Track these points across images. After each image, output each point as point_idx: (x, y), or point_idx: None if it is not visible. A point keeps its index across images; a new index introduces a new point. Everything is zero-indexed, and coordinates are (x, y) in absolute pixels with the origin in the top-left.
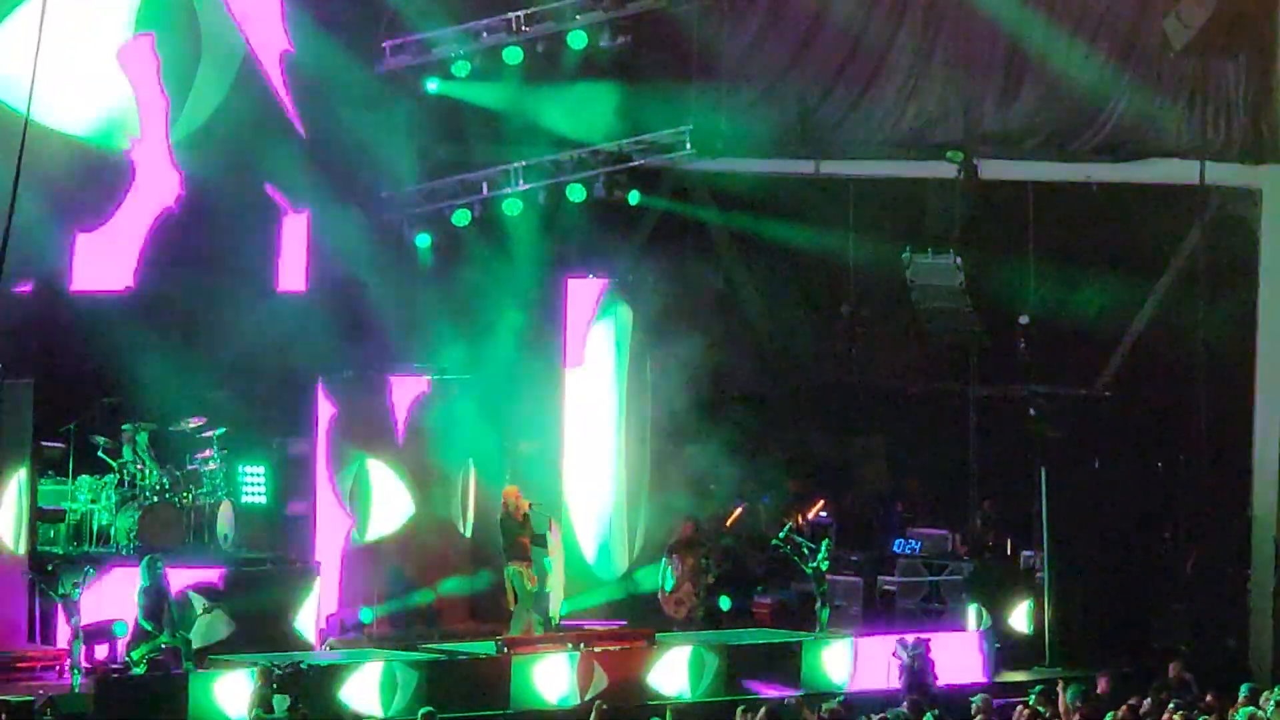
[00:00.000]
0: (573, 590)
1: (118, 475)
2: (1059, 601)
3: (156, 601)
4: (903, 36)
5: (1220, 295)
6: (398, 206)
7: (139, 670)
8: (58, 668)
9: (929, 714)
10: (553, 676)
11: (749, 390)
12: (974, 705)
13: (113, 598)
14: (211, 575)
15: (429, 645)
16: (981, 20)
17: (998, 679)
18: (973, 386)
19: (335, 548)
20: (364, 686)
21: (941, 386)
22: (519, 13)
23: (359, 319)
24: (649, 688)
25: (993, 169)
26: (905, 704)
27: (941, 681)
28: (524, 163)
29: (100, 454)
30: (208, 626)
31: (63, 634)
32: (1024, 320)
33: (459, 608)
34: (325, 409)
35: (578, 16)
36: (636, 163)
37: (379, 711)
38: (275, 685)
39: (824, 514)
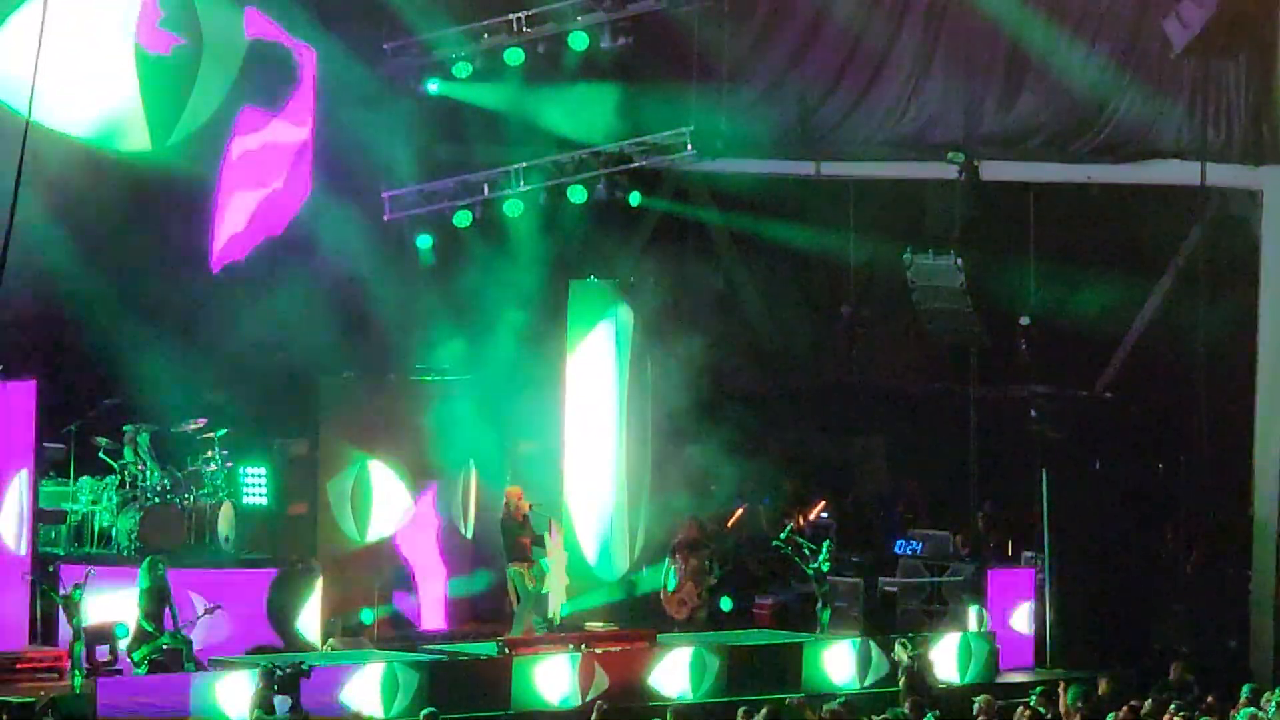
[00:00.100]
0: (573, 591)
1: (119, 476)
2: (1060, 602)
3: (157, 602)
4: (903, 37)
5: (1221, 296)
6: (399, 207)
7: (140, 671)
8: (59, 668)
9: (930, 714)
10: (554, 677)
11: (749, 391)
12: (975, 706)
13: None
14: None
15: (430, 646)
16: (982, 21)
17: (999, 680)
18: (973, 387)
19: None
20: (365, 687)
21: (942, 387)
22: (520, 14)
23: (360, 320)
24: (650, 689)
25: (993, 170)
26: (906, 704)
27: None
28: (525, 164)
29: (101, 455)
30: (208, 627)
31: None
32: (1025, 321)
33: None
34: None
35: (579, 18)
36: (637, 164)
37: (380, 712)
38: (276, 686)
39: (825, 515)
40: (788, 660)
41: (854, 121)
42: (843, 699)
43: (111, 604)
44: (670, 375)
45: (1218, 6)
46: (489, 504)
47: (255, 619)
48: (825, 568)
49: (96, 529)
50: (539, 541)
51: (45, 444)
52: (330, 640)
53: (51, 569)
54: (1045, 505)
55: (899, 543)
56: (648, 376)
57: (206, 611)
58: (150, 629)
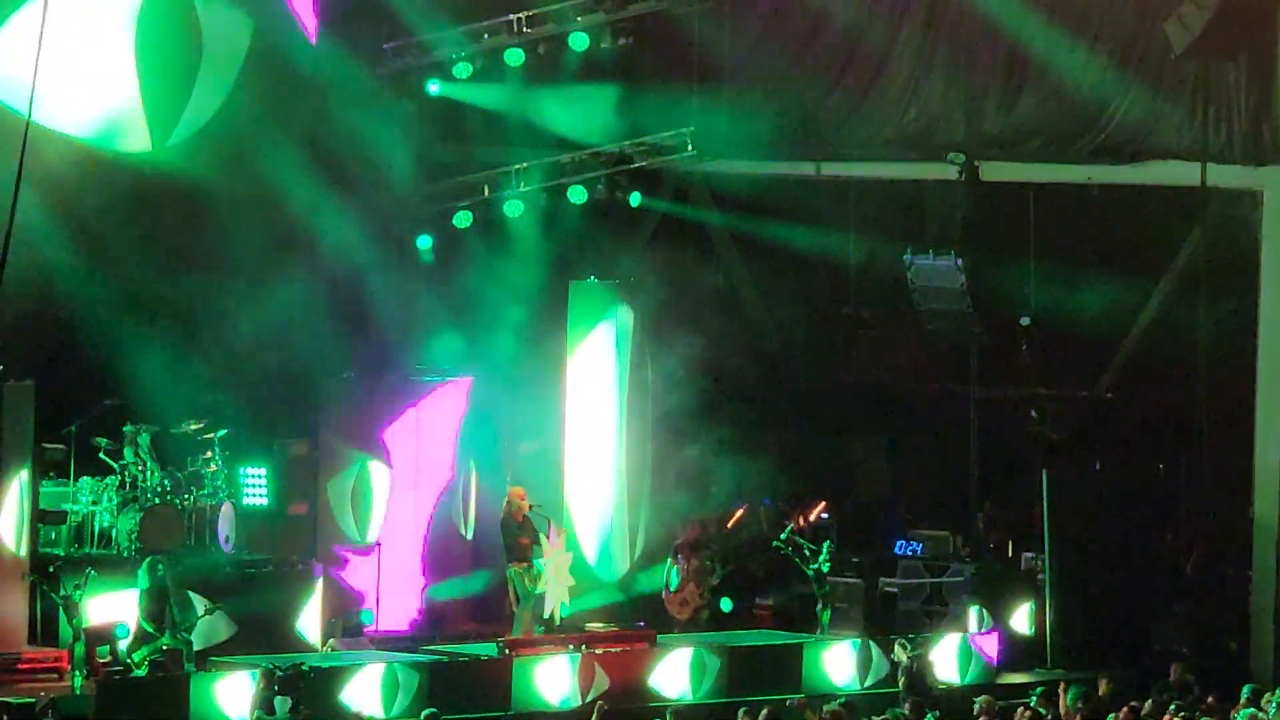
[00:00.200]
0: (576, 591)
1: (119, 477)
2: (1060, 603)
3: (158, 603)
4: (904, 38)
5: (1221, 297)
6: (399, 208)
7: (140, 672)
8: (59, 669)
9: (930, 715)
10: (554, 678)
11: (750, 391)
12: (976, 706)
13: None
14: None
15: (430, 647)
16: (983, 22)
17: (1000, 680)
18: (974, 388)
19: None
20: (365, 688)
21: (942, 388)
22: (520, 14)
23: (360, 320)
24: (650, 689)
25: (994, 170)
26: (906, 705)
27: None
28: (525, 164)
29: (101, 456)
30: (209, 628)
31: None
32: (1025, 322)
33: (461, 610)
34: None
35: (579, 18)
36: (638, 164)
37: (380, 713)
38: (277, 687)
39: (825, 515)
40: (788, 661)
41: (854, 122)
42: (843, 700)
43: (112, 604)
44: (670, 376)
45: (1218, 8)
46: (489, 504)
47: (256, 620)
48: (825, 568)
49: (97, 529)
50: (536, 542)
51: (45, 444)
52: (330, 641)
53: (52, 569)
54: (1045, 506)
55: (899, 543)
56: (648, 377)
57: (206, 611)
58: (150, 629)
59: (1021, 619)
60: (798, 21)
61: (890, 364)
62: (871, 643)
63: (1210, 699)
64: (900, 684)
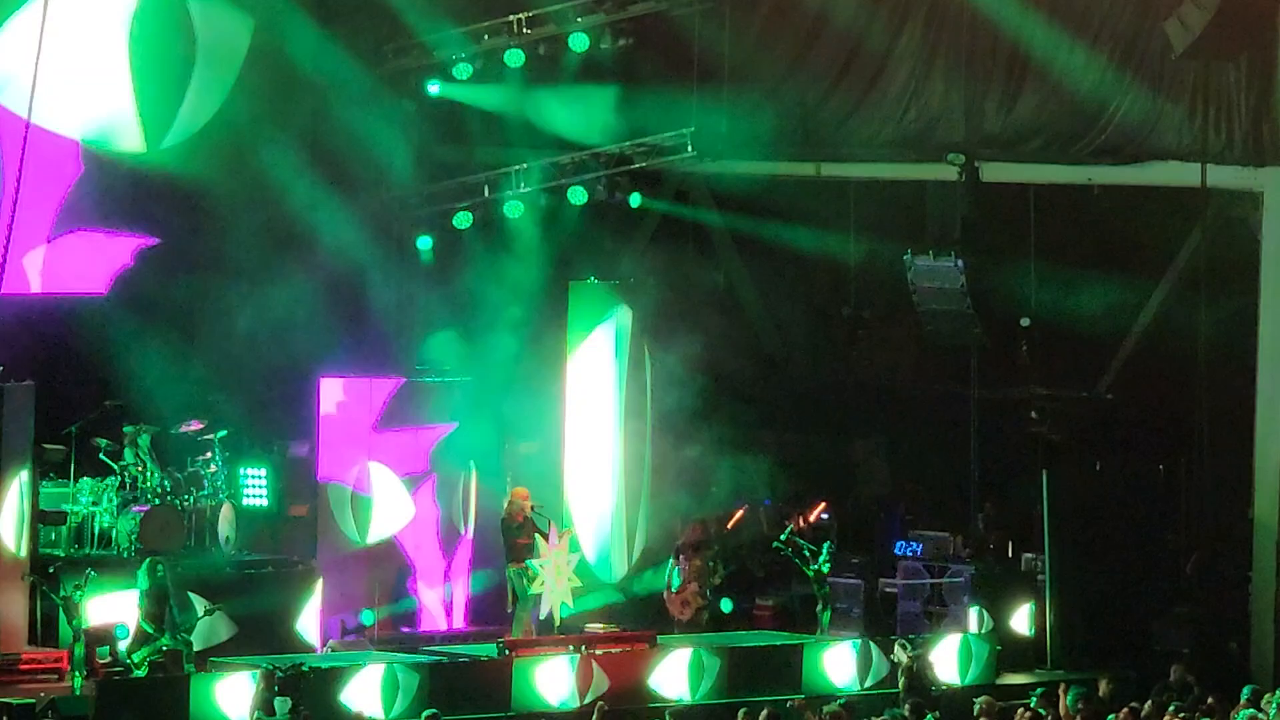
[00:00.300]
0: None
1: (119, 478)
2: (1060, 604)
3: (158, 604)
4: (904, 39)
5: (1221, 297)
6: (399, 209)
7: (140, 672)
8: (59, 670)
9: (930, 716)
10: (554, 679)
11: (750, 392)
12: (976, 707)
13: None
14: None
15: (430, 647)
16: (983, 23)
17: (1000, 682)
18: (974, 389)
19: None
20: (365, 689)
21: (942, 388)
22: (520, 15)
23: (360, 321)
24: (650, 690)
25: (994, 171)
26: (906, 706)
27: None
28: (525, 165)
29: (101, 456)
30: (209, 628)
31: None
32: (1025, 322)
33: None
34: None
35: (579, 19)
36: (638, 165)
37: (380, 714)
38: (277, 688)
39: (825, 516)
40: (788, 662)
41: (854, 122)
42: (843, 701)
43: (112, 605)
44: (670, 376)
45: (1218, 8)
46: (489, 505)
47: (256, 621)
48: (825, 569)
49: (97, 530)
50: (533, 543)
51: (45, 445)
52: (330, 641)
53: (52, 570)
54: (1046, 506)
55: (899, 544)
56: (647, 377)
57: (206, 612)
58: (150, 630)
59: (1021, 620)
60: (798, 22)
61: (890, 364)
62: (871, 643)
63: (1210, 700)
64: (900, 684)
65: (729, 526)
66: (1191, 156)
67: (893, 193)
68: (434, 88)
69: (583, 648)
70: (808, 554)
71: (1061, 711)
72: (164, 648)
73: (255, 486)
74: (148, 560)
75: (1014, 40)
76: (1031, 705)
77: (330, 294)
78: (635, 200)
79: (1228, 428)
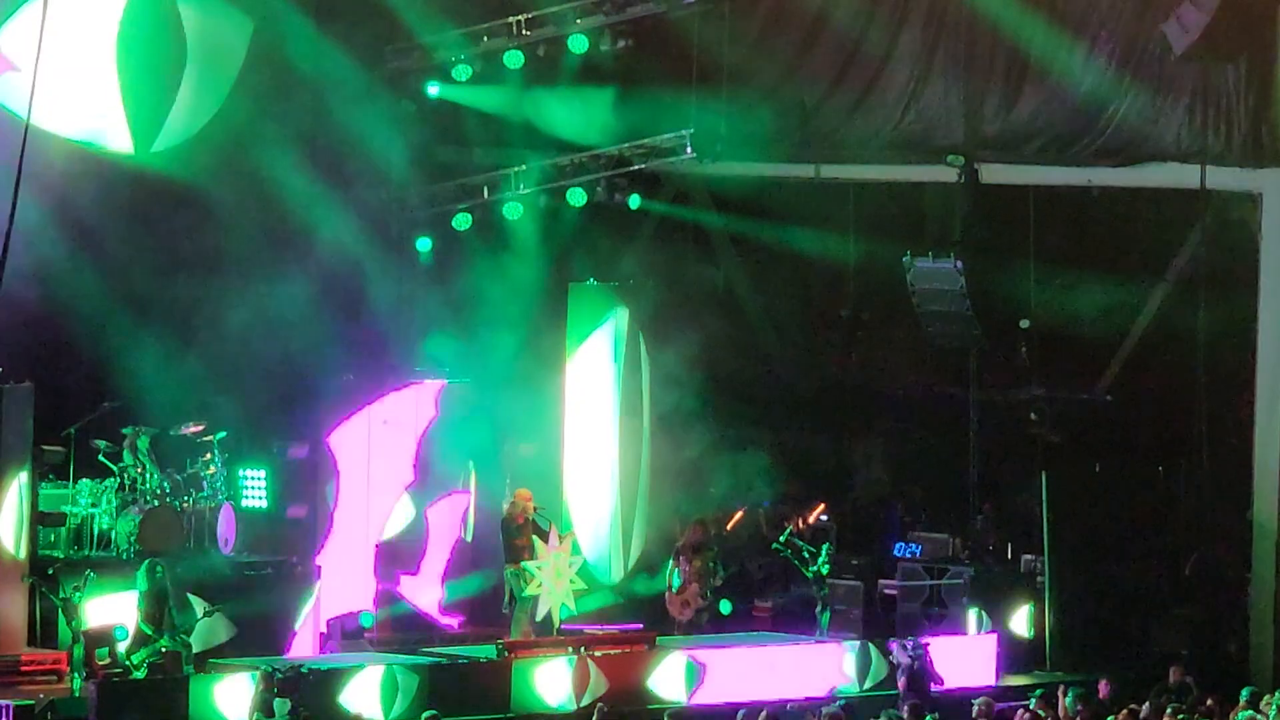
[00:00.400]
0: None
1: (118, 479)
2: (1060, 605)
3: (157, 605)
4: (904, 40)
5: (1220, 299)
6: (398, 210)
7: (139, 674)
8: (58, 671)
9: (929, 717)
10: (553, 680)
11: (749, 393)
12: (975, 708)
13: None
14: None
15: (429, 649)
16: (982, 24)
17: (999, 682)
18: (973, 390)
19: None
20: (365, 690)
21: (942, 390)
22: (520, 17)
23: (360, 322)
24: (650, 691)
25: (993, 172)
26: (905, 707)
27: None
28: (524, 166)
29: (101, 458)
30: (208, 630)
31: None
32: (1024, 324)
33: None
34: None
35: (579, 21)
36: (637, 166)
37: (380, 715)
38: (276, 689)
39: (824, 517)
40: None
41: (854, 124)
42: (842, 702)
43: (111, 607)
44: (669, 377)
45: (1217, 10)
46: (488, 506)
47: (256, 622)
48: (825, 570)
49: (96, 532)
50: (531, 545)
51: (44, 446)
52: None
53: (51, 571)
54: (1045, 508)
55: (898, 545)
56: (646, 379)
57: (205, 614)
58: (149, 632)
59: (1021, 621)
60: (797, 24)
61: (889, 366)
62: (871, 645)
63: (1209, 701)
64: (899, 684)
65: (728, 528)
66: (1190, 158)
67: (892, 194)
68: (433, 89)
69: (582, 649)
70: (807, 555)
71: (1061, 713)
72: (163, 649)
73: (254, 488)
74: (147, 562)
75: (1013, 42)
76: (1030, 706)
77: (330, 295)
78: (634, 201)
79: (1227, 429)
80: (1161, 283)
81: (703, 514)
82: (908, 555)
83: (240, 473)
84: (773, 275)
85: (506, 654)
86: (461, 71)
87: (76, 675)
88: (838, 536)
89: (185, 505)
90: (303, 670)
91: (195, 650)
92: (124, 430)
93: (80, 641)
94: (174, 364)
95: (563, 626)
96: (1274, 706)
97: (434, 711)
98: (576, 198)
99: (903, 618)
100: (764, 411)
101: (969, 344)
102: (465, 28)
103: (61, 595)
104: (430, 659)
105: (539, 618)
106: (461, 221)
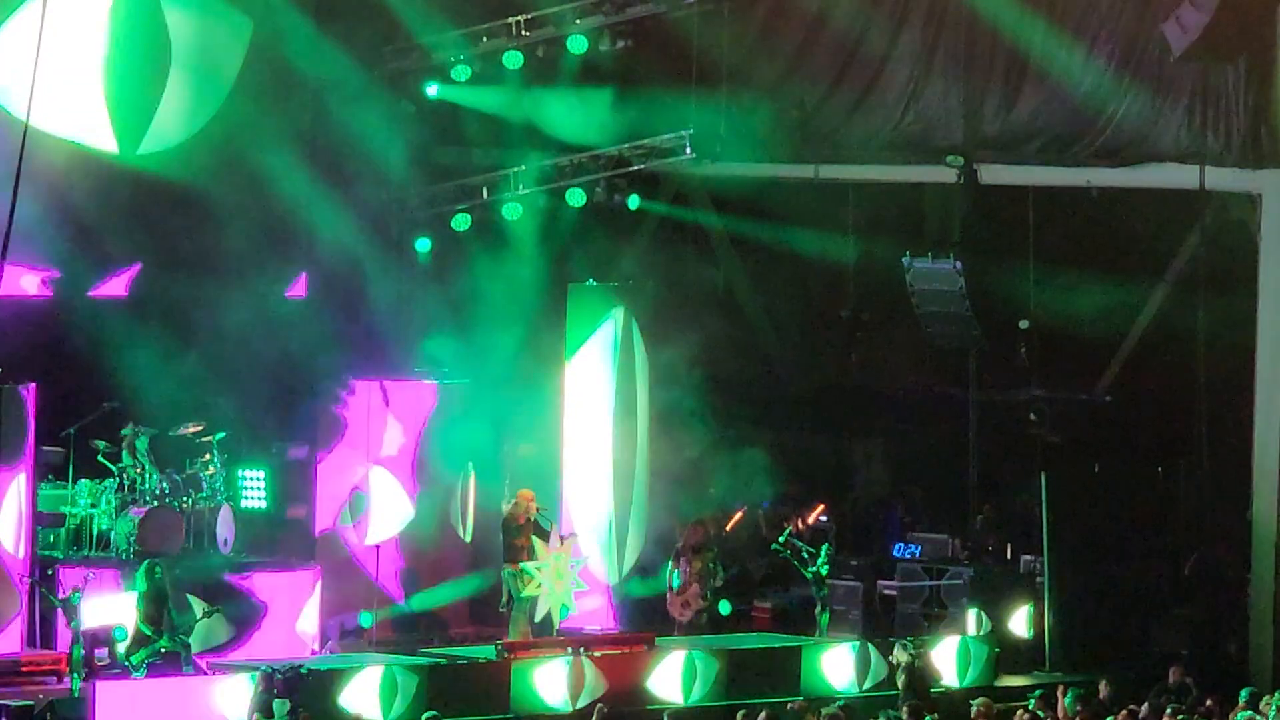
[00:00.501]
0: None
1: (117, 479)
2: (1059, 606)
3: (156, 606)
4: (903, 40)
5: (1220, 299)
6: (398, 210)
7: (139, 674)
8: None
9: (928, 718)
10: (553, 680)
11: (748, 394)
12: (973, 709)
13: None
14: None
15: (429, 650)
16: (982, 24)
17: (998, 684)
18: (973, 391)
19: None
20: (364, 691)
21: (941, 390)
22: (519, 17)
23: (359, 323)
24: (649, 692)
25: (993, 173)
26: (904, 709)
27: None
28: (523, 167)
29: (100, 458)
30: (207, 630)
31: (62, 638)
32: (1024, 324)
33: (459, 612)
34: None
35: (578, 21)
36: (636, 167)
37: (379, 716)
38: (275, 690)
39: (824, 518)
40: (786, 664)
41: (853, 124)
42: (841, 703)
43: (110, 607)
44: (669, 378)
45: (1216, 10)
46: (488, 507)
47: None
48: (824, 571)
49: (95, 532)
50: (531, 546)
51: (44, 447)
52: (329, 643)
53: (50, 572)
54: (1044, 508)
55: (898, 546)
56: (646, 379)
57: (205, 614)
58: (149, 632)
59: (1020, 621)
60: (796, 24)
61: (889, 366)
62: (870, 645)
63: (1209, 701)
64: (899, 684)
65: (728, 528)
66: (1190, 158)
67: (891, 194)
68: (433, 89)
69: (581, 650)
70: (806, 556)
71: (1060, 713)
72: (162, 650)
73: (254, 489)
74: (146, 562)
75: (1013, 42)
76: (1030, 707)
77: (329, 296)
78: (634, 202)
79: (1226, 429)
80: (1161, 283)
81: (702, 514)
82: (907, 556)
83: (240, 473)
84: (772, 276)
85: (506, 654)
86: (461, 72)
87: (76, 676)
88: (837, 537)
89: (184, 506)
90: (302, 671)
91: (194, 651)
92: (123, 431)
93: (79, 642)
94: (173, 364)
95: (561, 626)
96: (1273, 707)
97: (434, 713)
98: (576, 198)
99: (902, 618)
100: (763, 412)
101: (968, 344)
102: (464, 28)
103: (61, 596)
104: (429, 659)
105: (538, 618)
106: (461, 222)
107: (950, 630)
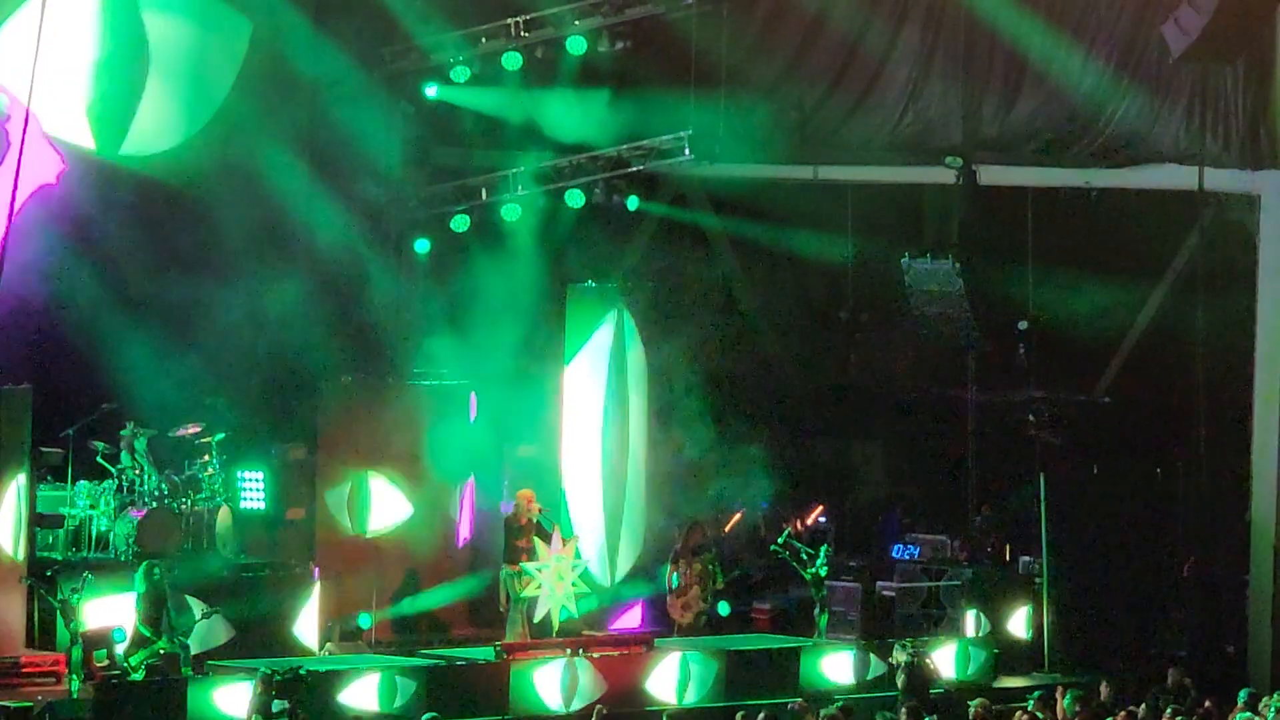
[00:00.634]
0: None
1: (116, 481)
2: (1058, 607)
3: (155, 607)
4: (902, 41)
5: (1218, 300)
6: (396, 211)
7: (137, 676)
8: (56, 673)
9: (926, 719)
10: (551, 682)
11: (747, 395)
12: (971, 710)
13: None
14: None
15: (428, 651)
16: (981, 25)
17: (997, 685)
18: (971, 392)
19: None
20: (363, 692)
21: (940, 391)
22: (518, 18)
23: (358, 324)
24: (648, 693)
25: (991, 174)
26: (903, 710)
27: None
28: (522, 168)
29: (99, 459)
30: (206, 632)
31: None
32: (1023, 325)
33: (458, 613)
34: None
35: (577, 22)
36: (635, 168)
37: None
38: (274, 691)
39: (823, 519)
40: (786, 665)
41: (852, 125)
42: (841, 703)
43: (109, 608)
44: (667, 379)
45: (1215, 12)
46: (486, 507)
47: (254, 624)
48: (823, 572)
49: (94, 533)
50: (532, 546)
51: (43, 448)
52: (328, 645)
53: (49, 573)
54: (1043, 509)
55: (897, 547)
56: (644, 380)
57: (204, 615)
58: (147, 633)
59: (1019, 623)
60: (795, 25)
61: (888, 367)
62: (869, 647)
63: (1207, 703)
64: (898, 684)
65: (726, 529)
66: (1189, 159)
67: (890, 195)
68: (432, 90)
69: (580, 651)
70: (805, 557)
71: (1059, 714)
72: (161, 651)
73: (253, 490)
74: (145, 563)
75: (1012, 43)
76: (1029, 708)
77: (328, 297)
78: (633, 203)
79: (1225, 430)
80: (1160, 284)
81: (701, 516)
82: (906, 557)
83: (238, 474)
84: (771, 277)
85: (505, 656)
86: (460, 73)
87: (75, 677)
88: (836, 538)
89: (183, 507)
90: (301, 672)
91: (193, 652)
92: (122, 432)
93: (78, 643)
94: (172, 365)
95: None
96: (1272, 708)
97: (434, 714)
98: (575, 199)
99: (901, 619)
100: (762, 412)
101: (967, 345)
102: (463, 29)
103: (60, 597)
104: (428, 661)
105: (537, 619)
106: (460, 223)
107: (949, 631)
